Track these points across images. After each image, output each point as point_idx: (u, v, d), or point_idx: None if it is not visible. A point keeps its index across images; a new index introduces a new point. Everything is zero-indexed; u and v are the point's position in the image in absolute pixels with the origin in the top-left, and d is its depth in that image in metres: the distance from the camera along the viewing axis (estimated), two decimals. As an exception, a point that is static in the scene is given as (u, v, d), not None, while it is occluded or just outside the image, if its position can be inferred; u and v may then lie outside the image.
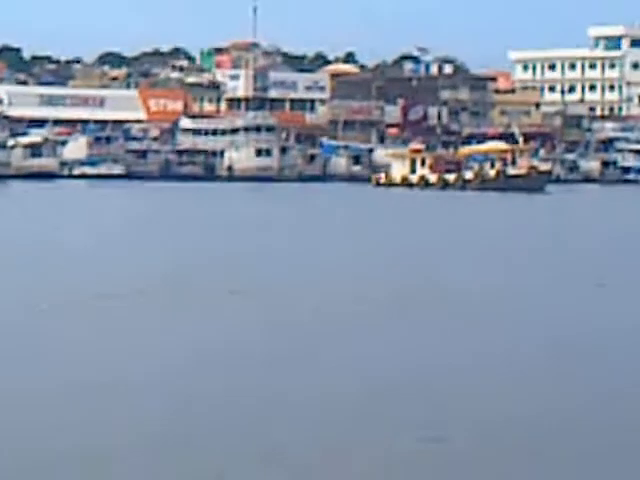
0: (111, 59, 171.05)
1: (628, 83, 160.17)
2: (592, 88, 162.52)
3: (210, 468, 12.22)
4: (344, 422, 15.23)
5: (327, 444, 13.55)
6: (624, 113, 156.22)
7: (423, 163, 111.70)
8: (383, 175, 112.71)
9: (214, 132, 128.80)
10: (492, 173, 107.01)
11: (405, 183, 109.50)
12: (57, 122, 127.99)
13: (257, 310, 29.19)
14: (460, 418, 14.95)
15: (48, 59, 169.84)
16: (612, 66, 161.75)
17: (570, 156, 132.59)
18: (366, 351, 21.02)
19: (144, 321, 26.76)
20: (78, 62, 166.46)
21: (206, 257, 43.44)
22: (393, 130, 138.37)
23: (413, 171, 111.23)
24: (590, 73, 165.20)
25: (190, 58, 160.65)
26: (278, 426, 14.64)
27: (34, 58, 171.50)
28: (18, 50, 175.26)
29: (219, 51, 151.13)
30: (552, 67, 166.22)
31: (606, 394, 17.59)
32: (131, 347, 22.82)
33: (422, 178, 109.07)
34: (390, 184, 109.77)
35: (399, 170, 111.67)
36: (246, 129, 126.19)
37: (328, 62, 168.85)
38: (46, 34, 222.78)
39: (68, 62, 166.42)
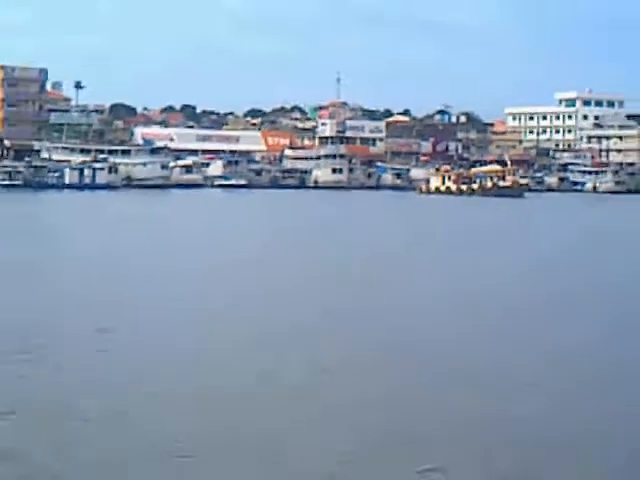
0: (254, 112, 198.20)
1: (580, 129, 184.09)
2: (557, 131, 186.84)
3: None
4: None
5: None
6: (577, 147, 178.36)
7: (449, 178, 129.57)
8: (424, 186, 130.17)
9: (306, 158, 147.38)
10: (490, 185, 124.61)
11: (437, 191, 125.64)
12: (206, 151, 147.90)
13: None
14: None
15: (212, 112, 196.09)
16: (569, 117, 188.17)
17: (539, 174, 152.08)
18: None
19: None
20: (232, 114, 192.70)
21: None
22: (425, 157, 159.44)
23: (443, 183, 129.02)
24: (555, 122, 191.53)
25: (303, 112, 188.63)
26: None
27: (203, 112, 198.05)
28: (194, 107, 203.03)
29: (322, 108, 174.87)
30: (531, 118, 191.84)
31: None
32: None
33: (448, 188, 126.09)
34: (428, 192, 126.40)
35: (434, 182, 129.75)
36: (326, 156, 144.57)
37: (392, 114, 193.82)
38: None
39: (225, 114, 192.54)
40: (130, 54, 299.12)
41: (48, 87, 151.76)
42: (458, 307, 29.18)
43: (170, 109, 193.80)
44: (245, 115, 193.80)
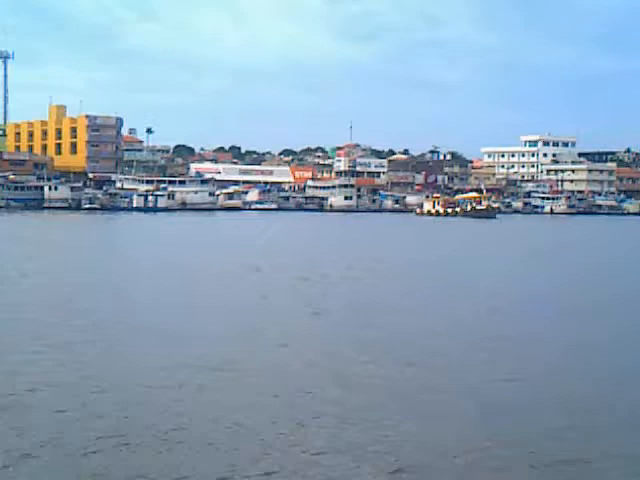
0: (287, 152, 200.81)
1: (541, 164, 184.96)
2: (522, 166, 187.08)
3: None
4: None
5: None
6: (538, 178, 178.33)
7: (438, 203, 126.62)
8: (419, 209, 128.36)
9: (324, 187, 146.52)
10: (469, 208, 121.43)
11: (429, 213, 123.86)
12: (245, 182, 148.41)
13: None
14: None
15: (253, 152, 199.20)
16: (532, 155, 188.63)
17: (508, 200, 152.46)
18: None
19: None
20: (269, 153, 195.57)
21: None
22: (418, 187, 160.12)
23: (433, 207, 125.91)
24: (521, 159, 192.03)
25: (325, 151, 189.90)
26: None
27: (247, 152, 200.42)
28: (239, 148, 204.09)
29: (339, 148, 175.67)
30: (502, 155, 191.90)
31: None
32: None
33: (437, 211, 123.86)
34: (422, 214, 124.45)
35: (427, 206, 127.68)
36: (340, 186, 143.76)
37: (394, 153, 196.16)
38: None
39: (263, 153, 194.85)
40: (187, 107, 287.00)
41: (125, 132, 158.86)
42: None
43: (221, 149, 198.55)
44: (280, 154, 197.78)
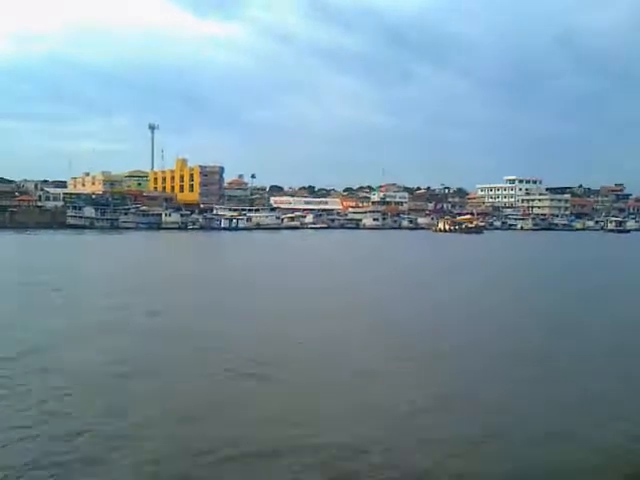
0: (347, 189, 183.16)
1: (517, 196, 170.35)
2: (504, 197, 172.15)
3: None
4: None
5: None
6: (515, 206, 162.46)
7: (446, 223, 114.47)
8: (434, 227, 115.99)
9: (359, 212, 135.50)
10: (465, 227, 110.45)
11: (440, 230, 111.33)
12: (305, 210, 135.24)
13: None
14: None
15: (323, 189, 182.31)
16: (512, 189, 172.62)
17: (491, 220, 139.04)
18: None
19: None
20: (334, 190, 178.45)
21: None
22: (428, 212, 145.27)
23: (444, 226, 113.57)
24: (503, 192, 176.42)
25: (372, 189, 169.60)
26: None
27: (319, 189, 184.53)
28: (313, 187, 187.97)
29: (381, 186, 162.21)
30: (490, 190, 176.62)
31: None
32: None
33: (446, 229, 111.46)
34: (437, 230, 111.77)
35: (441, 225, 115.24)
36: (370, 211, 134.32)
37: (420, 189, 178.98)
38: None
39: (329, 190, 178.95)
40: (282, 161, 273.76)
41: (235, 177, 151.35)
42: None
43: (302, 188, 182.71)
44: (344, 190, 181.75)
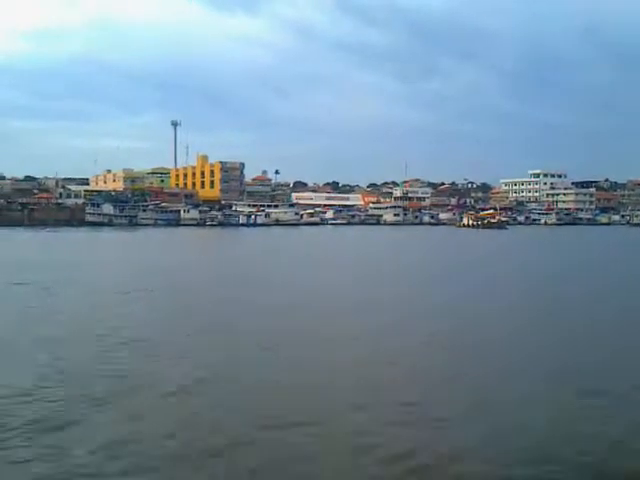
0: (371, 185, 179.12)
1: (542, 190, 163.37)
2: (529, 192, 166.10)
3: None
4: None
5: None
6: (540, 200, 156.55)
7: (470, 218, 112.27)
8: (458, 222, 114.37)
9: (380, 208, 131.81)
10: (487, 222, 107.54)
11: (466, 225, 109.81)
12: (326, 205, 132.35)
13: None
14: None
15: (347, 185, 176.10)
16: (536, 184, 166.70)
17: (514, 215, 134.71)
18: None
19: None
20: (358, 186, 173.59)
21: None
22: (450, 208, 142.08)
23: (469, 220, 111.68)
24: (528, 186, 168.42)
25: (396, 184, 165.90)
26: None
27: (343, 185, 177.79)
28: (337, 182, 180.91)
29: (405, 182, 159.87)
30: (515, 184, 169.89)
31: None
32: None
33: (470, 224, 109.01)
34: (461, 226, 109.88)
35: (465, 220, 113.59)
36: (391, 207, 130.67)
37: (444, 184, 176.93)
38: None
39: (353, 186, 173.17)
40: (305, 155, 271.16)
41: (259, 173, 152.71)
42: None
43: (327, 184, 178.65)
44: (367, 186, 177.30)
